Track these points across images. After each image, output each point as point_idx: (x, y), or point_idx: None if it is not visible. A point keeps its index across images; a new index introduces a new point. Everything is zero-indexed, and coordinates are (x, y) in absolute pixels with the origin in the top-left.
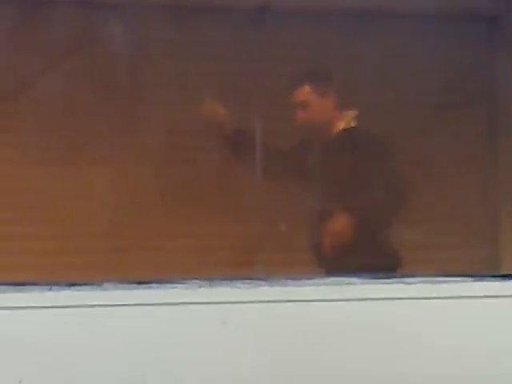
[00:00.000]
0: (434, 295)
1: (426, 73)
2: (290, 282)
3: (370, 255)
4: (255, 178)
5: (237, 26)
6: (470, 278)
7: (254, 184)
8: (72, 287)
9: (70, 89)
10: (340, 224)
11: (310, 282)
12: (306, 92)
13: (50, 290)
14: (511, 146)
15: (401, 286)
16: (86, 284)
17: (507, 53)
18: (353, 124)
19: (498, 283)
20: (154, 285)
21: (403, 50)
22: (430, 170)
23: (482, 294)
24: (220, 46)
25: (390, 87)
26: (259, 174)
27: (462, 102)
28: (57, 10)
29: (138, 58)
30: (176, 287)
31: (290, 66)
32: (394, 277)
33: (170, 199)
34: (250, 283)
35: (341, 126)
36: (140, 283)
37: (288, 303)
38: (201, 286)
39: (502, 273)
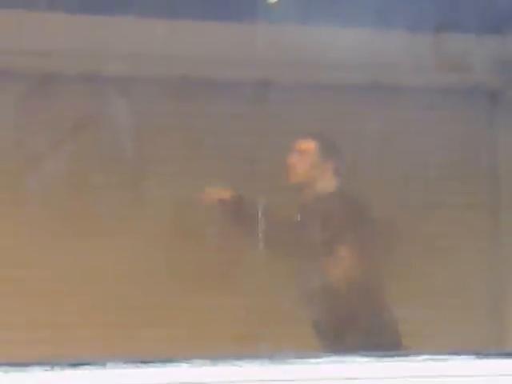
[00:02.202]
0: (438, 374)
1: (428, 146)
2: (293, 360)
3: (372, 332)
4: (258, 249)
5: (239, 99)
6: (474, 356)
7: (257, 256)
8: (74, 367)
9: (76, 162)
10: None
11: (314, 360)
12: (312, 146)
13: (52, 369)
14: None
15: (404, 364)
16: (88, 364)
17: (509, 127)
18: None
19: (503, 361)
20: (157, 364)
21: (404, 123)
22: (432, 243)
23: (486, 373)
24: (222, 119)
25: (392, 161)
26: (261, 245)
27: (463, 175)
28: (62, 86)
29: (142, 131)
30: (179, 366)
31: (291, 139)
32: (397, 355)
33: (173, 272)
34: (253, 362)
35: (325, 188)
36: (143, 362)
37: (292, 382)
38: (204, 365)
39: (507, 350)
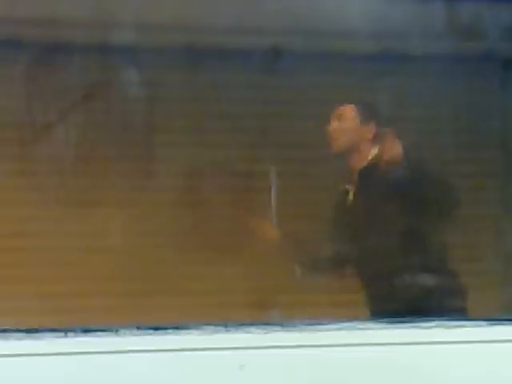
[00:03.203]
0: (449, 340)
1: (440, 114)
2: (304, 327)
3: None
4: (271, 220)
5: (248, 68)
6: (485, 322)
7: (270, 226)
8: (87, 333)
9: (84, 132)
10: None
11: (324, 327)
12: (349, 110)
13: (65, 336)
14: None
15: (416, 330)
16: (101, 330)
17: None
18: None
19: None
20: (169, 330)
21: (416, 92)
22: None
23: (498, 338)
24: (232, 88)
25: (402, 129)
26: (275, 219)
27: (476, 143)
28: (70, 55)
29: (151, 101)
30: (192, 333)
31: (302, 108)
32: (409, 321)
33: (185, 241)
34: (265, 328)
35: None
36: (156, 329)
37: (303, 348)
38: (216, 332)
39: None
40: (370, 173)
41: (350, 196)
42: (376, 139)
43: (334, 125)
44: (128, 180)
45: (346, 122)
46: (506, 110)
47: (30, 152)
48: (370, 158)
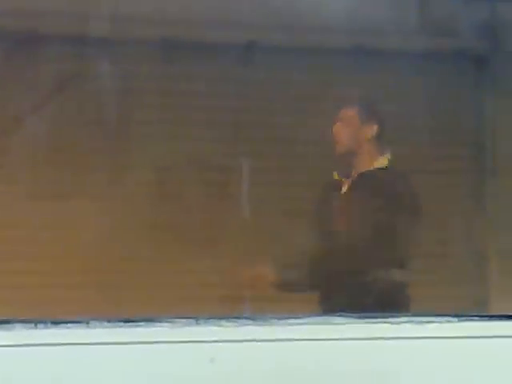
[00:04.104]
0: (420, 335)
1: (413, 111)
2: (275, 321)
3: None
4: (243, 213)
5: (224, 62)
6: (456, 318)
7: (242, 219)
8: (58, 325)
9: (58, 124)
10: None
11: (296, 321)
12: (350, 112)
13: (36, 327)
14: (498, 184)
15: (387, 325)
16: (72, 322)
17: (494, 92)
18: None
19: (484, 323)
20: (141, 323)
21: (389, 89)
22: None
23: (468, 335)
24: (208, 82)
25: None
26: (247, 211)
27: (448, 140)
28: (45, 47)
29: (126, 94)
30: (163, 326)
31: (277, 102)
32: (380, 316)
33: (157, 235)
34: (236, 322)
35: (376, 163)
36: (127, 321)
37: (274, 342)
38: (187, 325)
39: (489, 313)
40: (373, 179)
41: (344, 189)
42: (380, 141)
43: (337, 127)
44: (101, 173)
45: (346, 123)
46: (478, 106)
47: (2, 144)
48: (375, 163)
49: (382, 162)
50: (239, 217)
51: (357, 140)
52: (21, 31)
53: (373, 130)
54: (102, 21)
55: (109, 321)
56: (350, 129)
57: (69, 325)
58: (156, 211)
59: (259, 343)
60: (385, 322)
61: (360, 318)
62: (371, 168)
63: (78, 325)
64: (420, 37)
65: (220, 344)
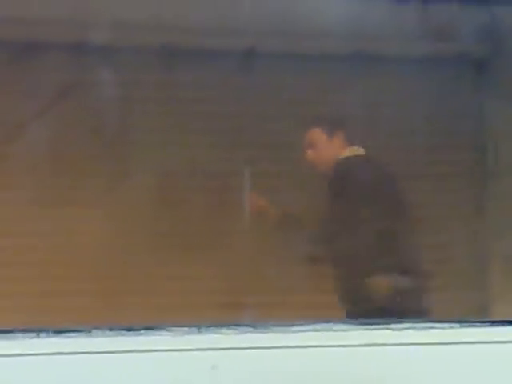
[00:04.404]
0: (422, 341)
1: (413, 116)
2: (276, 328)
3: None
4: (244, 219)
5: (224, 68)
6: (458, 324)
7: (243, 226)
8: (60, 334)
9: (60, 132)
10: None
11: (298, 328)
12: (315, 134)
13: (38, 336)
14: (500, 188)
15: (389, 332)
16: (74, 331)
17: (494, 96)
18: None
19: (487, 329)
20: (143, 331)
21: (390, 93)
22: (418, 213)
23: (471, 341)
24: (207, 89)
25: (376, 130)
26: (247, 221)
27: (449, 145)
28: (45, 54)
29: (126, 101)
30: (165, 334)
31: (277, 109)
32: (381, 323)
33: (158, 242)
34: (237, 329)
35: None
36: (129, 330)
37: (275, 349)
38: (189, 333)
39: (491, 319)
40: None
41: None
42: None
43: (310, 154)
44: (103, 180)
45: (317, 146)
46: (479, 111)
47: (2, 151)
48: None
49: (350, 151)
50: (240, 223)
51: (330, 153)
52: (20, 39)
53: (340, 137)
54: (101, 28)
55: (111, 329)
56: (318, 149)
57: (71, 334)
58: (157, 218)
59: (261, 350)
60: (387, 329)
61: (362, 324)
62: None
63: (80, 333)
64: (420, 42)
65: (221, 352)
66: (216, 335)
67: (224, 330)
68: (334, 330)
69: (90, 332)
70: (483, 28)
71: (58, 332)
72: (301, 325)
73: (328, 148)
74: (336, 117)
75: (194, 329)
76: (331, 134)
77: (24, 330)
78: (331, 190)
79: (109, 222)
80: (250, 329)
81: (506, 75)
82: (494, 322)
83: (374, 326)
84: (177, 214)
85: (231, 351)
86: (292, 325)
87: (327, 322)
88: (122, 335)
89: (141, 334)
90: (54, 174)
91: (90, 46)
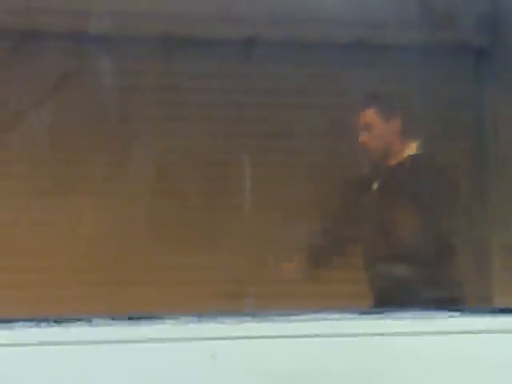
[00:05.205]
0: (422, 330)
1: (414, 104)
2: (276, 317)
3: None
4: (244, 208)
5: (224, 57)
6: (458, 313)
7: (244, 215)
8: (60, 323)
9: (59, 121)
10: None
11: (297, 317)
12: (370, 114)
13: (38, 326)
14: (500, 177)
15: (389, 321)
16: (74, 320)
17: (495, 85)
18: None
19: (488, 318)
20: (143, 321)
21: (389, 82)
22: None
23: (471, 329)
24: (208, 78)
25: None
26: (248, 207)
27: (449, 134)
28: (45, 43)
29: (126, 90)
30: (165, 323)
31: (277, 98)
32: (383, 312)
33: (158, 231)
34: (237, 319)
35: (406, 152)
36: (130, 319)
37: (275, 338)
38: (189, 322)
39: (492, 307)
40: (402, 170)
41: (375, 187)
42: (404, 132)
43: (364, 137)
44: (102, 169)
45: (372, 129)
46: (479, 100)
47: (1, 140)
48: (403, 155)
49: (412, 148)
50: (240, 212)
51: (385, 139)
52: (20, 28)
53: (398, 124)
54: (101, 17)
55: (112, 318)
56: (374, 133)
57: (71, 323)
58: (157, 207)
59: (260, 340)
60: (387, 318)
61: (361, 313)
62: (403, 157)
63: (81, 323)
64: (420, 30)
65: (221, 341)
66: (216, 324)
67: (224, 319)
68: (334, 320)
69: (90, 321)
70: (483, 17)
71: (59, 321)
72: (301, 314)
73: (385, 133)
74: (390, 99)
75: (193, 318)
76: (387, 117)
77: (24, 320)
78: (398, 186)
79: (109, 212)
80: (250, 318)
81: (505, 64)
82: (495, 311)
83: (373, 316)
84: (177, 203)
85: (231, 341)
86: (292, 314)
87: (327, 311)
88: (123, 324)
89: (141, 324)
90: (52, 163)
91: (90, 34)
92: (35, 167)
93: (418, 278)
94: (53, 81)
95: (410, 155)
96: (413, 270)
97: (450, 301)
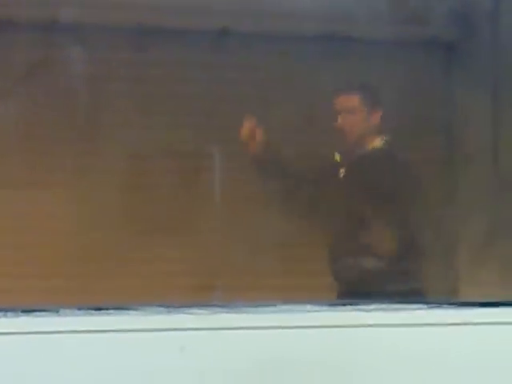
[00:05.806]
0: (390, 322)
1: (384, 99)
2: (246, 309)
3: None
4: (214, 201)
5: (197, 48)
6: (426, 306)
7: (214, 208)
8: (28, 313)
9: (29, 111)
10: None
11: (267, 309)
12: (356, 100)
13: (5, 316)
14: (469, 172)
15: (356, 313)
16: (42, 310)
17: (465, 80)
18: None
19: (454, 311)
20: (111, 311)
21: (359, 76)
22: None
23: (438, 322)
24: (180, 68)
25: None
26: (218, 197)
27: (419, 129)
28: (16, 33)
29: (97, 81)
30: (134, 314)
31: (249, 89)
32: (350, 304)
33: (128, 224)
34: (207, 310)
35: (371, 145)
36: (98, 309)
37: (244, 330)
38: (158, 313)
39: (458, 300)
40: (363, 162)
41: (341, 172)
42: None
43: (344, 118)
44: (71, 161)
45: (352, 113)
46: (449, 95)
47: None
48: (371, 145)
49: (378, 143)
50: (210, 205)
51: (362, 128)
52: None
53: (377, 118)
54: (73, 6)
55: (79, 309)
56: (356, 118)
57: (39, 313)
58: (127, 200)
59: (230, 331)
60: (356, 310)
61: (331, 305)
62: (367, 150)
63: (49, 313)
64: (390, 24)
65: (190, 332)
66: (185, 315)
67: (194, 311)
68: (303, 311)
69: (57, 312)
70: (454, 11)
71: (26, 311)
72: (270, 306)
73: (363, 122)
74: (378, 95)
75: (162, 309)
76: (371, 109)
77: None
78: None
79: (78, 204)
80: (220, 309)
81: (475, 59)
82: (461, 304)
83: (341, 308)
84: (147, 196)
85: (200, 332)
86: (261, 305)
87: (296, 303)
88: (91, 315)
89: (109, 314)
90: (22, 155)
91: (62, 24)
92: (4, 158)
93: (384, 270)
94: (23, 71)
95: (374, 148)
96: (379, 262)
97: (417, 294)
